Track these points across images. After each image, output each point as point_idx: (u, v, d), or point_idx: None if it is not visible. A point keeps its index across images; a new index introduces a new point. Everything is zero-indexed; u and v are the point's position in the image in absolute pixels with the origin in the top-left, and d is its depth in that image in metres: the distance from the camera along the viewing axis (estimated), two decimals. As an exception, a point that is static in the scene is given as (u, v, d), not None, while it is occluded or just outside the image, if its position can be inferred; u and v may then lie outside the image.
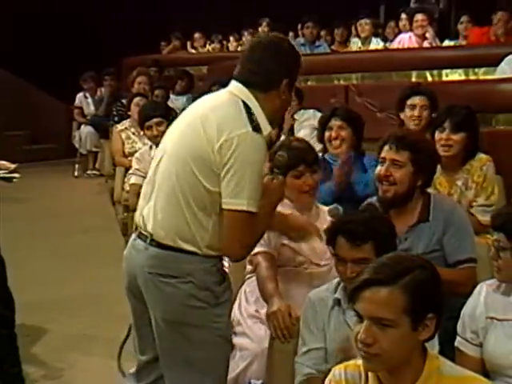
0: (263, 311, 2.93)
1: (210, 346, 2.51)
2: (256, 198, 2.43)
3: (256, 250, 2.91)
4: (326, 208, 3.17)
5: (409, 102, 4.19)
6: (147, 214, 2.53)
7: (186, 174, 2.44)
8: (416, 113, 4.15)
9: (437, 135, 3.66)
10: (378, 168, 2.95)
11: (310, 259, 3.00)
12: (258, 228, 2.54)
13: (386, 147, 2.92)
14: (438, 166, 3.31)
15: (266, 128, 2.49)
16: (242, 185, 2.39)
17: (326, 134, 4.00)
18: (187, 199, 2.44)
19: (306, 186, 3.04)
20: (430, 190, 3.05)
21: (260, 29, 9.31)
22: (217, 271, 2.53)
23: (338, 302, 2.54)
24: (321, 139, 4.08)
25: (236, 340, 2.98)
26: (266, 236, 2.90)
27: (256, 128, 2.44)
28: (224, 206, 2.42)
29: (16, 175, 3.76)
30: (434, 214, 2.91)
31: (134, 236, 2.61)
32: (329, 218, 3.03)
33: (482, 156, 3.74)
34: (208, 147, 2.41)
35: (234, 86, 2.54)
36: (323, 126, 4.06)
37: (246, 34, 9.97)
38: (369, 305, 1.79)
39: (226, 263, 3.49)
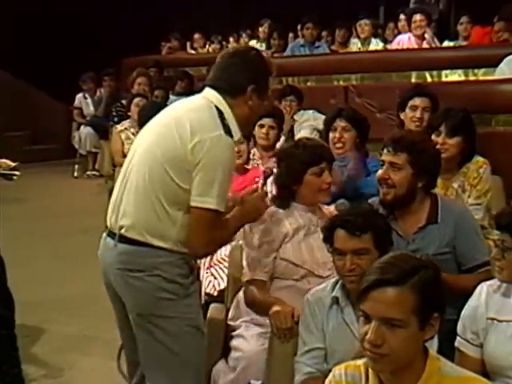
0: (258, 317, 2.95)
1: (185, 336, 2.58)
2: (224, 197, 2.53)
3: (248, 277, 2.96)
4: (330, 207, 3.16)
5: (410, 102, 4.13)
6: (118, 209, 2.61)
7: (158, 173, 2.52)
8: (417, 114, 4.08)
9: (433, 138, 3.59)
10: (379, 171, 2.94)
11: (312, 272, 2.94)
12: (225, 233, 2.65)
13: (385, 150, 2.91)
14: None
15: (237, 133, 2.59)
16: (212, 184, 2.48)
17: (331, 135, 3.96)
18: (158, 196, 2.51)
19: (325, 184, 3.00)
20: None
21: (261, 29, 9.31)
22: (184, 264, 2.59)
23: (336, 300, 2.54)
24: (325, 140, 4.05)
25: (232, 342, 3.00)
26: (256, 257, 2.94)
27: (228, 132, 2.53)
28: (193, 204, 2.50)
29: (16, 173, 3.78)
30: (442, 215, 2.88)
31: (104, 235, 2.71)
32: None
33: (478, 159, 3.71)
34: (181, 147, 2.50)
35: (207, 91, 2.65)
36: (328, 126, 4.04)
37: (245, 34, 9.97)
38: (378, 305, 1.78)
39: (225, 263, 3.51)
